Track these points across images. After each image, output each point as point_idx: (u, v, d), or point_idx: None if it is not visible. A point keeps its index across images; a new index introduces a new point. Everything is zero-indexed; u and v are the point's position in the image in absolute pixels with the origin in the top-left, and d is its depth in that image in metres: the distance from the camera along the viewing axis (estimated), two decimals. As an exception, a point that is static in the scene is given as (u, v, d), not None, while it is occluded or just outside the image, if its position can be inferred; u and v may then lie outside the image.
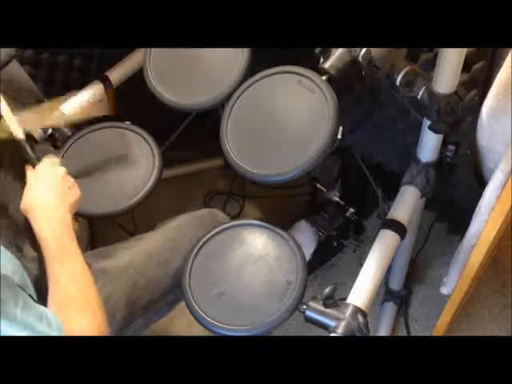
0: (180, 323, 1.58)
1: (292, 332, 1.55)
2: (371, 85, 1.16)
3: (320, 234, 1.58)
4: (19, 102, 1.22)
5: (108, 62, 1.38)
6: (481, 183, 1.15)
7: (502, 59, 0.97)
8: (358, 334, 0.93)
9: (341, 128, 0.96)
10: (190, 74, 1.16)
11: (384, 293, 1.60)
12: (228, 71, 1.11)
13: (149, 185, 1.14)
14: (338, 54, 0.99)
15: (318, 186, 1.50)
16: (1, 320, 0.63)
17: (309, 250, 1.55)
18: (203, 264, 1.05)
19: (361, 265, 1.05)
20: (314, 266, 1.67)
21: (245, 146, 1.02)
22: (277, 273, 1.01)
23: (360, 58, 0.98)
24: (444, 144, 1.13)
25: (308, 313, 0.96)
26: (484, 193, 1.05)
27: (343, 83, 1.03)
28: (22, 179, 0.93)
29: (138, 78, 1.24)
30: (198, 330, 1.15)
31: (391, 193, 1.22)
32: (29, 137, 1.01)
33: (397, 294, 1.57)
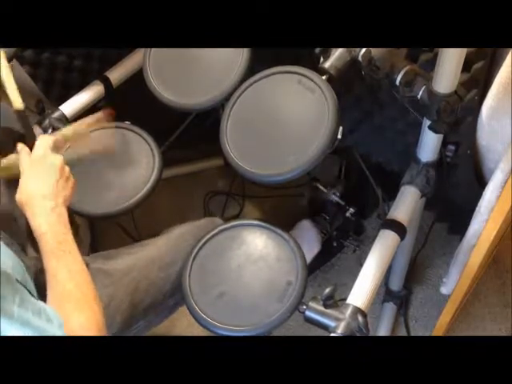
0: (180, 324, 1.58)
1: (292, 332, 1.55)
2: (371, 85, 1.17)
3: (322, 235, 1.58)
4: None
5: (108, 62, 1.38)
6: (481, 183, 1.15)
7: (502, 59, 0.97)
8: (357, 334, 0.93)
9: (341, 128, 0.96)
10: (190, 74, 1.16)
11: (384, 293, 1.60)
12: (228, 71, 1.11)
13: (149, 185, 1.14)
14: (337, 53, 0.99)
15: (318, 186, 1.50)
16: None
17: (314, 250, 1.55)
18: (203, 265, 1.05)
19: (361, 265, 1.05)
20: (314, 266, 1.67)
21: (245, 146, 1.02)
22: (277, 273, 1.01)
23: (360, 58, 0.98)
24: (444, 144, 1.13)
25: (308, 313, 0.96)
26: (484, 193, 1.05)
27: (343, 83, 1.03)
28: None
29: (137, 78, 1.24)
30: (198, 331, 1.14)
31: (391, 193, 1.22)
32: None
33: (397, 294, 1.57)
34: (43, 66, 1.38)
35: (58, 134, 1.03)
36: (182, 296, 1.03)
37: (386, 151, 1.33)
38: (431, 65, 0.96)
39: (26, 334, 0.65)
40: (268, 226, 1.06)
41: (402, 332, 1.59)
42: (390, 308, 1.59)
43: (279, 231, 1.05)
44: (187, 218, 1.20)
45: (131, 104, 1.33)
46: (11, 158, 0.95)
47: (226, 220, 1.14)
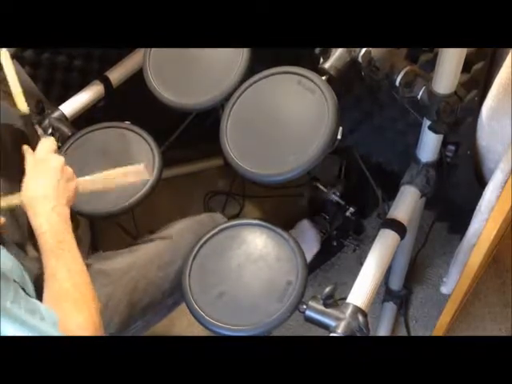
0: (180, 323, 1.58)
1: (292, 332, 1.55)
2: (371, 85, 1.17)
3: (321, 234, 1.58)
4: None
5: (108, 62, 1.38)
6: (481, 183, 1.15)
7: (502, 59, 0.97)
8: (358, 334, 0.93)
9: (341, 128, 0.96)
10: (190, 74, 1.16)
11: (384, 293, 1.60)
12: (228, 71, 1.11)
13: (149, 185, 1.14)
14: (337, 54, 0.99)
15: (318, 185, 1.50)
16: None
17: (313, 249, 1.55)
18: (203, 264, 1.05)
19: (361, 264, 1.05)
20: (314, 265, 1.67)
21: (245, 146, 1.02)
22: (277, 273, 1.01)
23: (360, 58, 0.98)
24: (444, 144, 1.13)
25: (308, 313, 0.96)
26: (484, 193, 1.05)
27: (343, 83, 1.03)
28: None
29: (137, 78, 1.24)
30: (198, 330, 1.14)
31: (391, 193, 1.22)
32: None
33: (397, 293, 1.57)
34: (43, 65, 1.38)
35: (86, 180, 1.01)
36: (182, 295, 1.03)
37: (386, 151, 1.33)
38: (431, 65, 0.96)
39: (17, 331, 0.65)
40: (268, 225, 1.06)
41: (402, 332, 1.59)
42: (390, 308, 1.59)
43: (279, 231, 1.05)
44: (187, 218, 1.20)
45: (131, 104, 1.33)
46: (12, 201, 0.93)
47: (227, 218, 1.15)
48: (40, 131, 1.19)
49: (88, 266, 0.85)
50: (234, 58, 1.12)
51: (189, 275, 1.04)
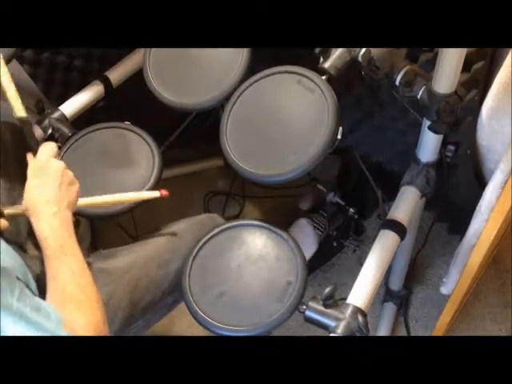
0: (180, 324, 1.58)
1: (292, 332, 1.55)
2: (371, 85, 1.17)
3: (319, 233, 1.58)
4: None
5: (108, 62, 1.38)
6: (481, 183, 1.15)
7: (502, 59, 0.97)
8: (357, 334, 0.93)
9: (341, 128, 0.96)
10: (190, 74, 1.16)
11: (384, 293, 1.60)
12: (228, 71, 1.11)
13: (149, 185, 1.14)
14: (337, 53, 0.99)
15: (318, 186, 1.50)
16: None
17: (311, 248, 1.55)
18: (203, 264, 1.05)
19: (361, 265, 1.05)
20: (314, 265, 1.67)
21: (245, 146, 1.02)
22: (277, 273, 1.01)
23: (360, 58, 0.98)
24: (444, 144, 1.13)
25: (308, 313, 0.96)
26: (484, 193, 1.05)
27: (343, 83, 1.03)
28: (25, 179, 0.92)
29: (137, 78, 1.24)
30: (198, 331, 1.14)
31: (391, 193, 1.22)
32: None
33: (397, 294, 1.57)
34: (43, 66, 1.38)
35: (97, 199, 1.02)
36: (182, 296, 1.03)
37: (386, 151, 1.33)
38: (431, 65, 0.96)
39: (23, 329, 0.65)
40: (268, 226, 1.06)
41: (402, 332, 1.59)
42: (390, 308, 1.59)
43: (279, 231, 1.05)
44: (187, 219, 1.20)
45: (131, 104, 1.33)
46: (16, 211, 0.93)
47: (226, 220, 1.14)
48: (39, 132, 1.19)
49: (88, 264, 0.85)
50: (234, 58, 1.12)
51: (189, 275, 1.04)
